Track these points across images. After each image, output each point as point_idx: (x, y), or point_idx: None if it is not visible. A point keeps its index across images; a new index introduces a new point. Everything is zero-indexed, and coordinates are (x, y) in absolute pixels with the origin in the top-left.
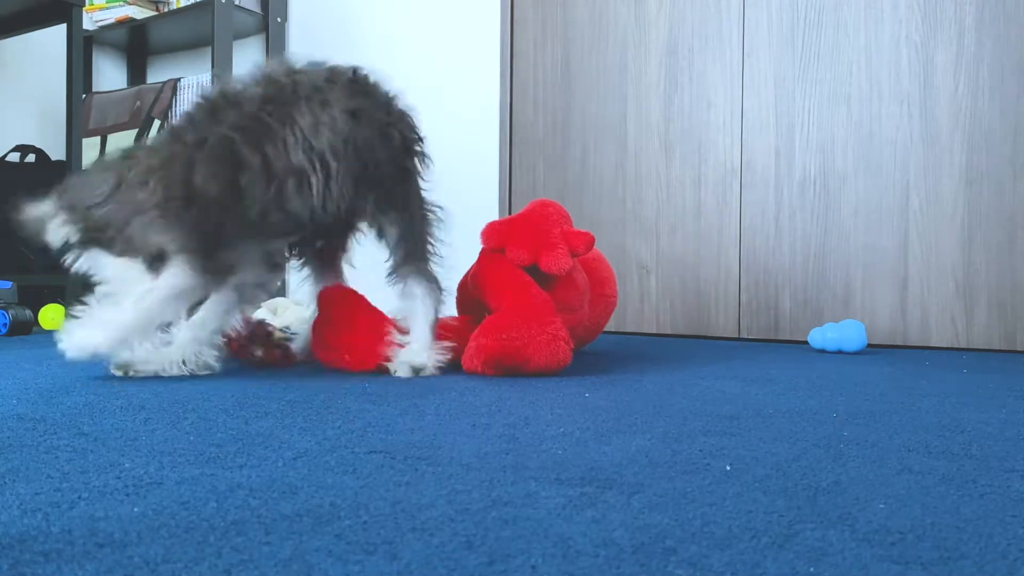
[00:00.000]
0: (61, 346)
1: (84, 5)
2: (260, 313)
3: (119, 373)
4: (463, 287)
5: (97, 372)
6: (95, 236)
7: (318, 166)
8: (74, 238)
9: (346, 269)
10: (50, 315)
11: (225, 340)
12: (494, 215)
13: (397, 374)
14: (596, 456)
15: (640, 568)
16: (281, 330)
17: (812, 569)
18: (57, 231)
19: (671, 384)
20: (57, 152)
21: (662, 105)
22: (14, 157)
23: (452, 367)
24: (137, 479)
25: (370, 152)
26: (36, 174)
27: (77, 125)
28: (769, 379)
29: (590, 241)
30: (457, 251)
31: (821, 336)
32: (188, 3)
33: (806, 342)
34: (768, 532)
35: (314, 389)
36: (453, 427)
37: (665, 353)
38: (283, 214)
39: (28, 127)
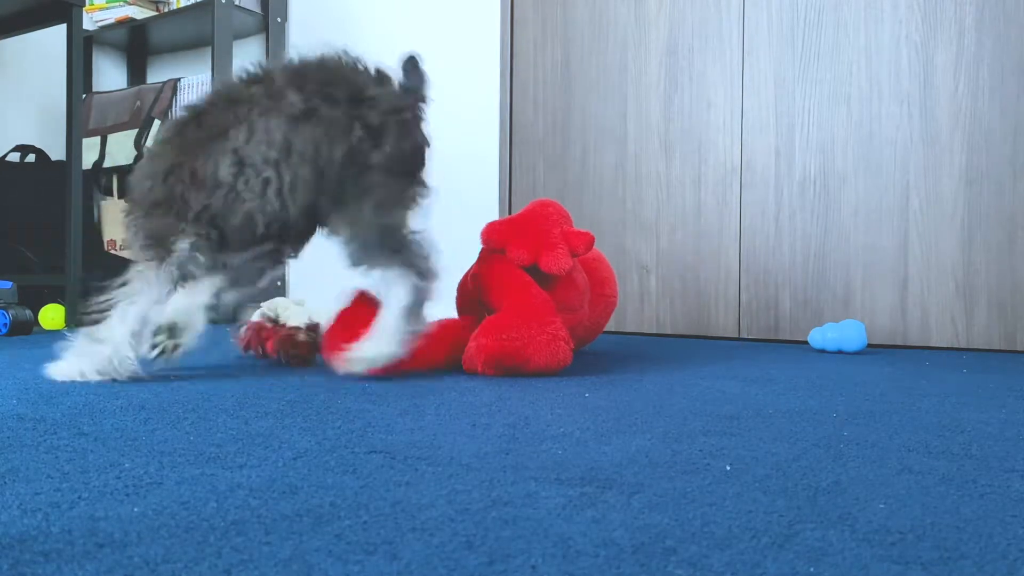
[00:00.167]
0: (49, 372)
1: (84, 5)
2: (257, 314)
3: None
4: (463, 287)
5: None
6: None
7: (251, 178)
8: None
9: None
10: (50, 315)
11: (252, 341)
12: (494, 215)
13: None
14: (596, 456)
15: (640, 568)
16: (305, 329)
17: (812, 569)
18: None
19: (671, 384)
20: (57, 152)
21: (662, 105)
22: (14, 157)
23: (452, 367)
24: (137, 479)
25: (319, 154)
26: (36, 174)
27: (77, 125)
28: (769, 379)
29: (590, 241)
30: (457, 251)
31: (821, 336)
32: (188, 3)
33: (806, 342)
34: (768, 532)
35: (314, 389)
36: (453, 427)
37: (665, 353)
38: (225, 226)
39: (28, 127)
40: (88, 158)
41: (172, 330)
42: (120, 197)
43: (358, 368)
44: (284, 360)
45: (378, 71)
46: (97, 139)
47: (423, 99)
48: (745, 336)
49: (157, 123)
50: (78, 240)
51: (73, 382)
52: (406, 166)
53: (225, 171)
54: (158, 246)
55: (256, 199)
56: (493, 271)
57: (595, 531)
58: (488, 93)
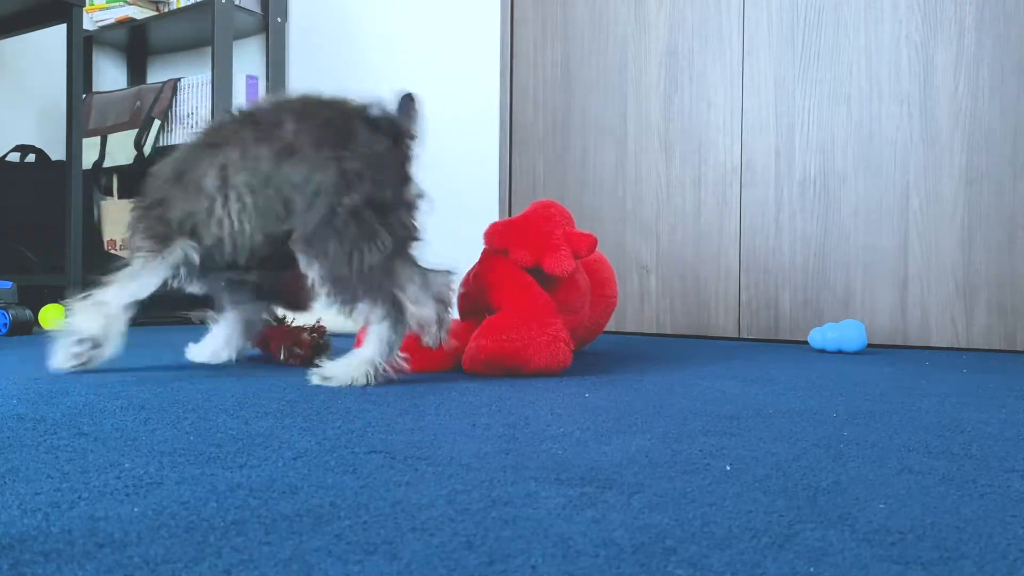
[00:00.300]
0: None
1: (84, 5)
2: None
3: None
4: (464, 287)
5: (97, 372)
6: None
7: (230, 198)
8: None
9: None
10: (50, 315)
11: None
12: (494, 215)
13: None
14: (596, 456)
15: (640, 568)
16: (309, 329)
17: (812, 569)
18: None
19: (671, 384)
20: (57, 152)
21: (662, 105)
22: (14, 157)
23: (452, 367)
24: (137, 479)
25: (295, 189)
26: (36, 174)
27: (77, 125)
28: (769, 379)
29: (593, 243)
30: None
31: (821, 336)
32: (188, 3)
33: (806, 342)
34: (768, 532)
35: (314, 389)
36: (453, 427)
37: (665, 353)
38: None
39: (28, 127)
40: (88, 158)
41: (94, 340)
42: (120, 197)
43: (316, 382)
44: (285, 358)
45: (370, 116)
46: (97, 139)
47: (412, 137)
48: (745, 336)
49: (157, 123)
50: (78, 240)
51: (73, 382)
52: (384, 207)
53: (210, 183)
54: (155, 239)
55: (226, 219)
56: (494, 272)
57: (595, 531)
58: (488, 93)
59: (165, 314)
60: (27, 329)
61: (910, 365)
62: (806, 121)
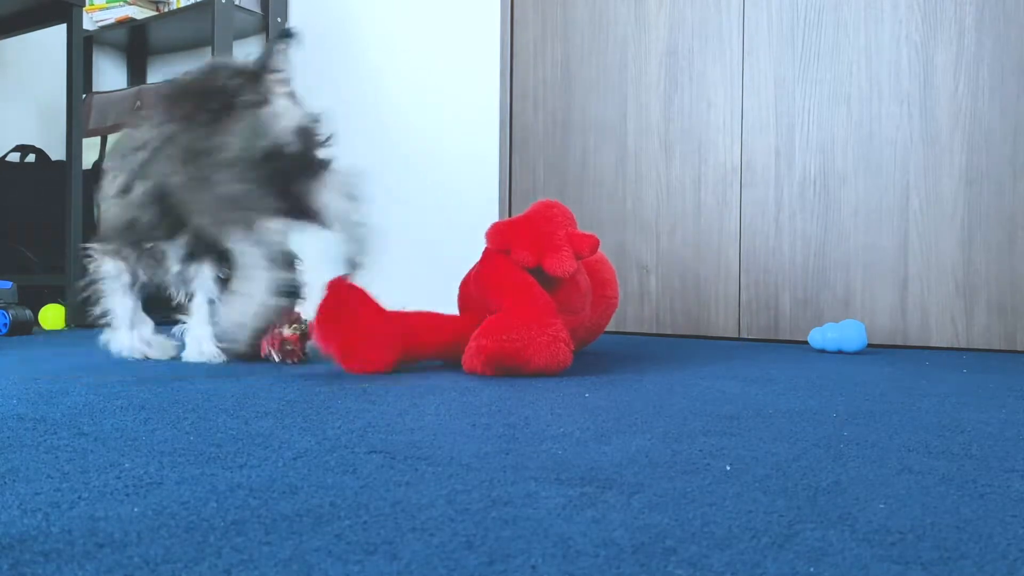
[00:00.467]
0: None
1: (84, 5)
2: None
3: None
4: (465, 286)
5: (97, 372)
6: None
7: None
8: None
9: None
10: (50, 315)
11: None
12: (494, 215)
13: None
14: (596, 456)
15: (640, 568)
16: (291, 322)
17: (812, 569)
18: None
19: (671, 384)
20: (57, 152)
21: (662, 105)
22: (14, 157)
23: (452, 367)
24: (137, 479)
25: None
26: (36, 174)
27: (77, 125)
28: (769, 379)
29: (594, 244)
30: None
31: (821, 336)
32: (188, 3)
33: (806, 342)
34: (768, 532)
35: (314, 389)
36: (453, 427)
37: (665, 353)
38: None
39: (28, 127)
40: (88, 158)
41: None
42: None
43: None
44: (281, 360)
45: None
46: (97, 139)
47: (270, 72)
48: (745, 336)
49: None
50: (78, 240)
51: (73, 382)
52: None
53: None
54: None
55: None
56: (495, 272)
57: (595, 531)
58: (488, 93)
59: (165, 314)
60: (27, 329)
61: (910, 365)
62: (806, 121)
